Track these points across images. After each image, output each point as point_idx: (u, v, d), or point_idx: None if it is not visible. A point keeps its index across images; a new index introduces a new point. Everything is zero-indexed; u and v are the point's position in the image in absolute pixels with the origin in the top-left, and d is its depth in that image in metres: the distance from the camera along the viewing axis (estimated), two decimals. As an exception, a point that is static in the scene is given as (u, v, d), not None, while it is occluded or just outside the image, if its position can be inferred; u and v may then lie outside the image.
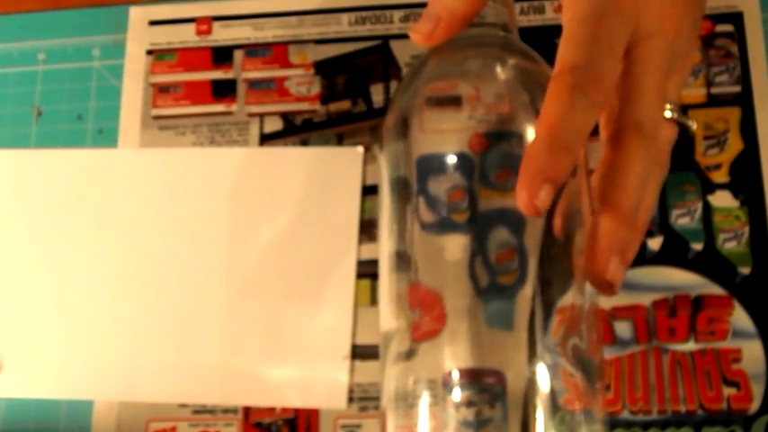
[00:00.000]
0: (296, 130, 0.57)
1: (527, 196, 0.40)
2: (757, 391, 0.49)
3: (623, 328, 0.51)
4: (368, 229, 0.54)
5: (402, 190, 0.45)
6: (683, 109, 0.46)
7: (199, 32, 0.60)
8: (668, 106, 0.44)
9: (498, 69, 0.46)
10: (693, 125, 0.46)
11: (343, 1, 0.59)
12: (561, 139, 0.40)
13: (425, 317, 0.43)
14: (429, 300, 0.43)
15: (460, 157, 0.43)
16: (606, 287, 0.41)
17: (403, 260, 0.44)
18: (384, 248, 0.45)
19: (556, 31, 0.42)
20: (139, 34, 0.60)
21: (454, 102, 0.44)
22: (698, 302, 0.51)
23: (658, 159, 0.44)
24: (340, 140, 0.56)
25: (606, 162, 0.42)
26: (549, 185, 0.40)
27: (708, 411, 0.49)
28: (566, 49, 0.42)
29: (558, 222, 0.43)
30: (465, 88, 0.45)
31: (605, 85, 0.41)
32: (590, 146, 0.44)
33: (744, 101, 0.54)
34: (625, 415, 0.50)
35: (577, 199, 0.44)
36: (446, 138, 0.44)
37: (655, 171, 0.44)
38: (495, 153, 0.44)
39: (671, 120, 0.45)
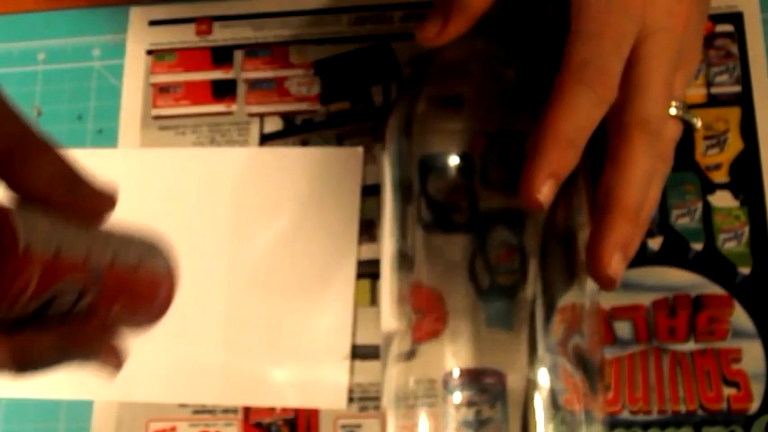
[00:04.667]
0: (296, 130, 0.57)
1: (530, 190, 0.40)
2: (757, 391, 0.49)
3: (623, 328, 0.51)
4: (368, 229, 0.54)
5: (404, 190, 0.45)
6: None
7: (199, 32, 0.60)
8: (674, 103, 0.44)
9: (500, 70, 0.46)
10: (698, 122, 0.46)
11: (343, 1, 0.59)
12: (566, 134, 0.40)
13: (426, 317, 0.43)
14: (430, 300, 0.43)
15: (463, 157, 0.44)
16: (608, 282, 0.42)
17: (405, 261, 0.44)
18: (386, 249, 0.46)
19: (556, 30, 0.42)
20: (139, 34, 0.60)
21: (456, 102, 0.45)
22: (698, 302, 0.51)
23: (663, 156, 0.44)
24: (340, 140, 0.56)
25: (611, 158, 0.42)
26: (553, 180, 0.40)
27: (708, 411, 0.49)
28: (573, 45, 0.42)
29: (560, 220, 0.43)
30: (467, 89, 0.45)
31: (611, 81, 0.41)
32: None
33: (744, 101, 0.54)
34: (625, 415, 0.50)
35: (579, 196, 0.44)
36: (448, 138, 0.44)
37: (659, 168, 0.44)
38: (496, 153, 0.44)
39: (676, 117, 0.45)
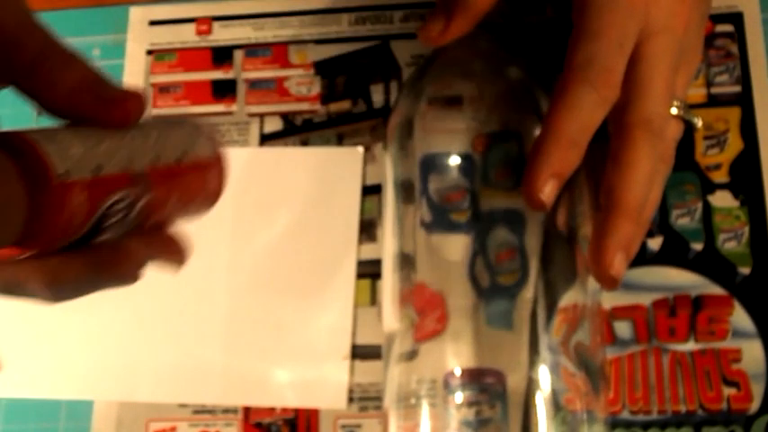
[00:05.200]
0: (296, 130, 0.57)
1: (533, 190, 0.40)
2: (757, 391, 0.49)
3: (623, 328, 0.51)
4: (368, 229, 0.54)
5: (406, 190, 0.45)
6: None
7: (199, 32, 0.60)
8: (675, 103, 0.44)
9: (501, 70, 0.46)
10: (699, 122, 0.46)
11: (343, 1, 0.59)
12: (568, 133, 0.40)
13: (428, 317, 0.43)
14: (431, 300, 0.43)
15: (464, 157, 0.44)
16: (610, 282, 0.42)
17: (406, 261, 0.44)
18: (388, 249, 0.46)
19: (556, 30, 0.42)
20: (139, 34, 0.60)
21: (457, 102, 0.45)
22: (698, 302, 0.51)
23: (664, 156, 0.44)
24: (340, 140, 0.56)
25: (613, 158, 0.42)
26: (555, 180, 0.40)
27: (708, 411, 0.49)
28: (575, 44, 0.42)
29: (561, 220, 0.43)
30: (468, 89, 0.45)
31: (614, 80, 0.41)
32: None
33: (744, 101, 0.54)
34: (625, 415, 0.50)
35: (580, 196, 0.44)
36: (449, 138, 0.44)
37: (660, 167, 0.44)
38: (497, 153, 0.44)
39: (677, 116, 0.45)
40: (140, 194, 0.33)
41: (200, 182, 0.37)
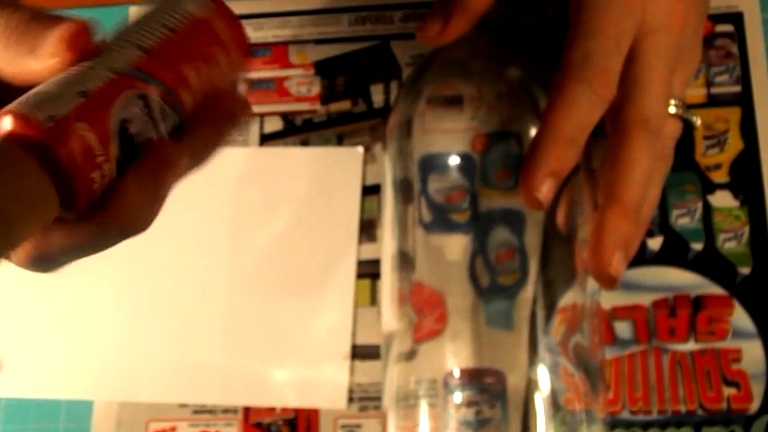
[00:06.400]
0: (296, 130, 0.57)
1: (530, 189, 0.40)
2: (757, 391, 0.49)
3: (623, 328, 0.51)
4: (368, 229, 0.54)
5: (405, 190, 0.45)
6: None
7: (199, 32, 0.60)
8: (673, 102, 0.44)
9: (501, 70, 0.46)
10: (697, 121, 0.46)
11: (343, 1, 0.59)
12: (566, 132, 0.40)
13: (427, 317, 0.43)
14: (431, 300, 0.43)
15: (463, 157, 0.44)
16: (609, 281, 0.42)
17: (405, 261, 0.44)
18: (387, 249, 0.46)
19: (556, 30, 0.42)
20: (139, 34, 0.60)
21: (457, 102, 0.45)
22: (698, 302, 0.51)
23: (662, 154, 0.44)
24: (340, 140, 0.56)
25: (611, 157, 0.42)
26: (552, 179, 0.40)
27: (708, 411, 0.49)
28: (572, 42, 0.42)
29: (560, 219, 0.43)
30: (468, 89, 0.45)
31: (611, 79, 0.41)
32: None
33: (744, 101, 0.54)
34: (625, 415, 0.50)
35: (580, 196, 0.44)
36: (449, 138, 0.44)
37: (659, 166, 0.44)
38: (496, 153, 0.44)
39: (675, 115, 0.45)
40: (144, 87, 0.32)
41: (207, 38, 0.35)
